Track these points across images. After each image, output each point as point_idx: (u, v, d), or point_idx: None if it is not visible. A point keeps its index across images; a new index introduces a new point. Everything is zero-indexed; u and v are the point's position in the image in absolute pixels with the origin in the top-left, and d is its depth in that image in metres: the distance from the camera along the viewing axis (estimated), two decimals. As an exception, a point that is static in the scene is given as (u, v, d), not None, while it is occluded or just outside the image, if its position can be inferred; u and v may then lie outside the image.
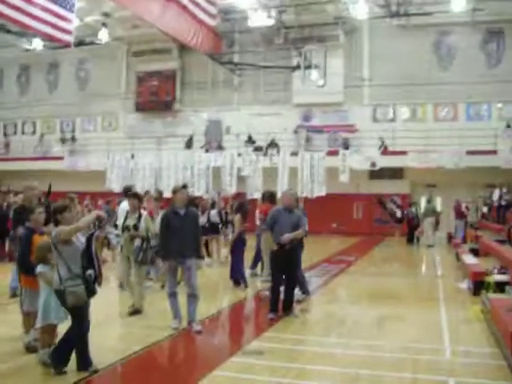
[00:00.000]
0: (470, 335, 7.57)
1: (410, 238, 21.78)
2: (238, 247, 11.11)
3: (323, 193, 22.43)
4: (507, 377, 5.75)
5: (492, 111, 24.16)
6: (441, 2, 22.78)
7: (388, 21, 24.67)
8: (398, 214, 24.59)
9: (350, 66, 26.02)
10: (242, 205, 11.92)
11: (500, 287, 9.18)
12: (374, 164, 23.59)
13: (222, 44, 25.19)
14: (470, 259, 13.05)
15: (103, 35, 24.21)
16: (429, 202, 21.96)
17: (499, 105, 23.84)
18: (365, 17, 23.79)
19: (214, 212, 14.36)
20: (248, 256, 11.74)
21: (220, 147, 25.90)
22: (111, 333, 7.66)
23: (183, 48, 26.99)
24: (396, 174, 24.95)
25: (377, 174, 24.55)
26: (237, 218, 11.40)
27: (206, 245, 13.91)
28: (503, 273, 10.01)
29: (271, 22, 23.00)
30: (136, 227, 8.54)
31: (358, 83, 25.72)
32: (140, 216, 8.64)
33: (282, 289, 8.62)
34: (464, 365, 6.31)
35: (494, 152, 21.79)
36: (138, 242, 8.52)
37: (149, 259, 8.59)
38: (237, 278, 10.97)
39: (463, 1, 21.87)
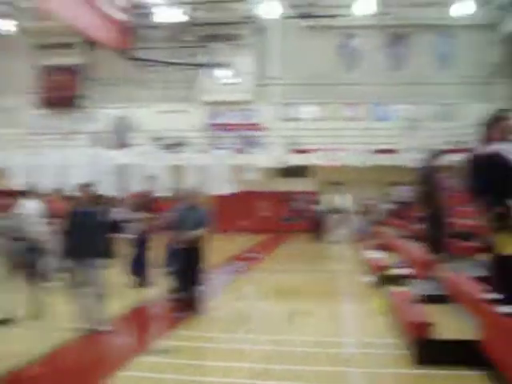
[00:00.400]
0: (373, 327, 7.81)
1: (317, 235, 22.23)
2: (140, 244, 10.94)
3: (231, 191, 22.52)
4: (408, 365, 5.97)
5: (397, 112, 25.04)
6: (348, 5, 23.42)
7: (297, 22, 25.07)
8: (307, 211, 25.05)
9: (260, 64, 26.23)
10: (148, 202, 11.73)
11: (401, 280, 9.53)
12: (282, 162, 23.90)
13: (132, 39, 24.68)
14: (374, 254, 13.48)
15: (6, 26, 23.09)
16: (335, 199, 22.51)
17: (404, 106, 24.74)
18: (273, 17, 24.08)
19: (119, 210, 14.04)
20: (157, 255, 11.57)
21: (127, 145, 25.40)
22: (12, 335, 7.31)
23: (91, 42, 26.23)
24: (304, 172, 25.40)
25: (285, 172, 24.90)
26: (141, 215, 11.21)
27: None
28: (404, 267, 10.40)
29: (181, 18, 22.83)
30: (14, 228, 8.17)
31: (268, 82, 25.98)
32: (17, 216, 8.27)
33: (188, 287, 8.56)
34: (369, 355, 6.49)
35: (398, 151, 22.67)
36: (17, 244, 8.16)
37: (30, 262, 8.19)
38: (139, 275, 10.78)
39: (368, 5, 22.62)
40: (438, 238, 9.24)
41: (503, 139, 5.35)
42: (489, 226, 5.34)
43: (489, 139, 5.47)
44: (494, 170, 5.24)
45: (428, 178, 9.64)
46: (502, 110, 5.57)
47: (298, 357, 6.41)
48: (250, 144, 24.85)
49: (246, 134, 25.46)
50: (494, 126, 5.45)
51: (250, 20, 25.41)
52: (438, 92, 23.74)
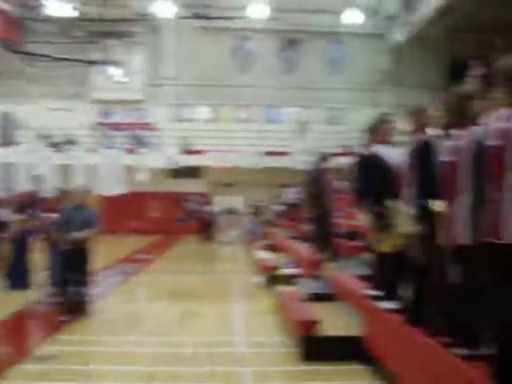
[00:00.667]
0: (263, 326, 7.91)
1: (209, 236, 22.27)
2: (20, 246, 10.49)
3: (122, 191, 22.08)
4: (295, 362, 6.10)
5: (288, 115, 25.55)
6: (242, 7, 23.62)
7: (192, 22, 24.97)
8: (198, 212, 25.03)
9: (153, 64, 25.89)
10: (33, 203, 11.27)
11: (290, 280, 9.75)
12: (174, 163, 23.73)
13: (18, 31, 23.54)
14: (264, 255, 13.68)
15: None
16: (227, 200, 22.65)
17: (295, 109, 25.28)
18: (167, 16, 23.85)
19: (4, 211, 13.36)
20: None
21: (13, 142, 24.18)
22: None
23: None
24: (196, 173, 25.36)
25: (177, 173, 24.73)
26: (17, 216, 10.77)
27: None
28: (293, 267, 10.65)
29: (72, 12, 22.05)
30: None
31: (161, 82, 25.70)
32: None
33: (73, 289, 8.30)
34: (258, 354, 6.57)
35: (289, 153, 23.18)
36: None
37: None
38: (17, 277, 10.30)
39: (262, 8, 22.97)
40: (325, 238, 9.54)
41: (385, 142, 5.63)
42: (369, 226, 5.59)
43: (372, 142, 5.75)
44: (373, 172, 5.50)
45: (316, 180, 9.92)
46: (383, 114, 5.85)
47: (188, 358, 6.37)
48: (141, 144, 24.48)
49: (138, 134, 25.04)
50: (376, 130, 5.74)
51: (143, 18, 25.01)
52: (329, 97, 24.52)
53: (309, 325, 6.22)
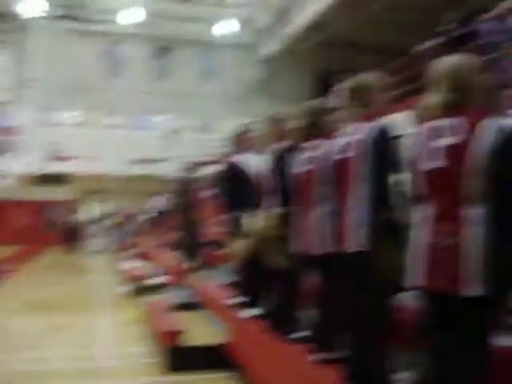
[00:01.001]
0: (130, 338, 7.72)
1: (75, 246, 21.52)
2: None
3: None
4: (160, 373, 6.00)
5: (159, 122, 25.32)
6: (115, 12, 23.14)
7: (63, 24, 24.06)
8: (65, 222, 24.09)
9: (20, 64, 24.63)
10: None
11: (157, 289, 9.62)
12: (39, 169, 22.70)
13: None
14: (131, 264, 13.42)
15: None
16: (95, 208, 22.03)
17: (166, 117, 25.11)
18: (34, 15, 22.80)
19: None
20: None
21: None
22: None
23: None
24: (64, 179, 24.38)
25: (43, 180, 23.64)
26: None
27: None
28: (160, 276, 10.51)
29: None
30: None
31: (27, 84, 24.49)
32: None
33: None
34: (122, 366, 6.39)
35: (159, 161, 22.97)
36: None
37: None
38: None
39: (136, 14, 22.64)
40: (194, 246, 9.52)
41: (248, 151, 5.74)
42: (228, 233, 5.65)
43: (236, 151, 5.84)
44: (234, 180, 5.59)
45: (186, 188, 9.90)
46: (247, 124, 5.96)
47: (49, 374, 6.06)
48: (3, 149, 23.16)
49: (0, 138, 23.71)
50: (240, 139, 5.84)
51: (10, 16, 23.71)
52: (200, 105, 24.60)
53: (174, 335, 6.15)
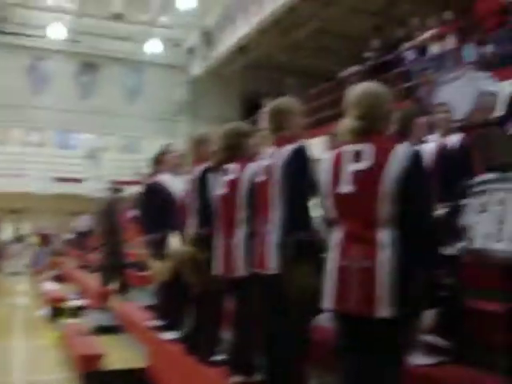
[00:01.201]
0: (46, 363, 7.44)
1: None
2: None
3: None
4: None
5: (82, 141, 24.77)
6: (41, 26, 22.56)
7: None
8: None
9: None
10: None
11: (76, 312, 9.33)
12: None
13: None
14: (50, 286, 13.00)
15: None
16: (15, 228, 21.26)
17: (90, 135, 24.61)
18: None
19: None
20: None
21: None
22: None
23: None
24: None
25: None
26: None
27: None
28: (80, 298, 10.22)
29: None
30: None
31: None
32: None
33: None
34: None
35: (82, 180, 22.46)
36: None
37: None
38: None
39: (61, 29, 22.16)
40: (115, 268, 9.32)
41: (170, 171, 5.71)
42: (149, 254, 5.58)
43: (158, 171, 5.81)
44: (154, 201, 5.56)
45: (109, 208, 9.72)
46: (167, 145, 5.95)
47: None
48: None
49: None
50: (162, 159, 5.82)
51: None
52: (125, 124, 24.22)
53: (92, 359, 5.97)
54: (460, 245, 2.83)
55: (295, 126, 3.51)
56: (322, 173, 2.82)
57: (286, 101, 3.61)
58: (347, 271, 2.61)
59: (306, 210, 3.23)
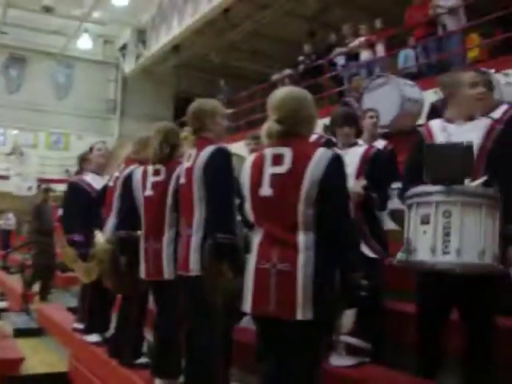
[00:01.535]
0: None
1: None
2: None
3: None
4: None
5: (8, 137, 23.93)
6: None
7: None
8: None
9: None
10: None
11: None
12: None
13: None
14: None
15: None
16: None
17: (16, 131, 23.83)
18: None
19: None
20: None
21: None
22: None
23: None
24: None
25: None
26: None
27: None
28: (0, 300, 9.84)
29: None
30: None
31: None
32: None
33: None
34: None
35: (7, 177, 21.71)
36: None
37: None
38: None
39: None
40: (41, 268, 9.06)
41: (94, 170, 5.63)
42: (71, 255, 5.44)
43: (83, 170, 5.72)
44: (75, 199, 5.48)
45: (37, 207, 9.48)
46: (95, 143, 5.84)
47: None
48: None
49: None
50: (87, 158, 5.74)
51: None
52: (55, 121, 23.53)
53: (12, 363, 5.76)
54: (400, 255, 2.85)
55: (217, 128, 3.50)
56: (244, 175, 2.80)
57: (208, 102, 3.59)
58: (266, 274, 2.60)
59: (227, 211, 3.19)
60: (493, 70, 5.76)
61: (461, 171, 2.80)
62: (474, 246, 2.64)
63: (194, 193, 3.31)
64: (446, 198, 2.69)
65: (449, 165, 2.79)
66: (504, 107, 4.41)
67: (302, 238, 2.57)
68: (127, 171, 4.41)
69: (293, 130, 2.71)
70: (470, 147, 2.84)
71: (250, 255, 2.72)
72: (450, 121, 3.30)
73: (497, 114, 4.33)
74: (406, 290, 3.74)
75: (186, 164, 3.43)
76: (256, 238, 2.72)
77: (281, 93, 2.82)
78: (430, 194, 2.78)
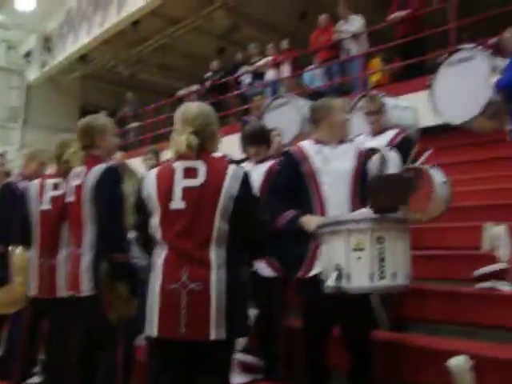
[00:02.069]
0: None
1: None
2: None
3: None
4: None
5: None
6: None
7: None
8: None
9: None
10: None
11: None
12: None
13: None
14: None
15: None
16: None
17: None
18: None
19: None
20: None
21: None
22: None
23: None
24: None
25: None
26: None
27: None
28: None
29: None
30: None
31: None
32: None
33: None
34: None
35: None
36: None
37: None
38: None
39: None
40: None
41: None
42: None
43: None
44: None
45: None
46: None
47: None
48: None
49: None
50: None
51: None
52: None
53: None
54: (331, 281, 2.85)
55: (107, 145, 3.46)
56: (148, 189, 2.70)
57: (99, 118, 3.55)
58: (176, 295, 2.50)
59: (120, 231, 3.14)
60: (382, 94, 6.08)
61: (401, 200, 2.94)
62: (404, 269, 2.76)
63: (83, 212, 3.24)
64: (379, 225, 2.77)
65: (392, 195, 2.89)
66: (393, 132, 4.65)
67: (215, 255, 2.54)
68: (24, 184, 4.28)
69: (205, 145, 2.72)
70: (411, 179, 3.00)
71: (151, 275, 2.60)
72: (321, 142, 3.46)
73: (387, 136, 4.57)
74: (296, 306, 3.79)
75: (75, 181, 3.34)
76: (159, 257, 2.61)
77: (194, 107, 2.82)
78: (363, 221, 2.82)
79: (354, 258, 2.78)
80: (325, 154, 3.36)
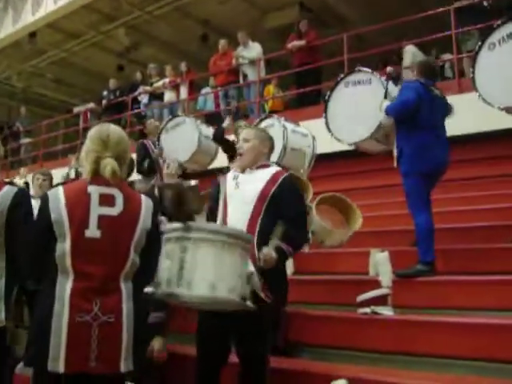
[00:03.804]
0: None
1: None
2: None
3: None
4: None
5: None
6: None
7: None
8: None
9: None
10: None
11: None
12: None
13: None
14: None
15: None
16: None
17: None
18: None
19: None
20: None
21: None
22: None
23: None
24: None
25: None
26: None
27: None
28: None
29: None
30: None
31: None
32: None
33: None
34: None
35: None
36: None
37: None
38: None
39: None
40: None
41: None
42: None
43: None
44: None
45: None
46: None
47: None
48: None
49: None
50: None
51: None
52: None
53: None
54: (149, 289, 2.83)
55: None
56: (55, 212, 2.47)
57: None
58: (86, 328, 2.37)
59: (31, 258, 2.65)
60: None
61: (192, 208, 2.94)
62: (205, 279, 2.68)
63: None
64: (183, 234, 2.70)
65: (182, 203, 2.90)
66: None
67: (125, 287, 2.48)
68: None
69: (122, 171, 2.59)
70: (195, 186, 3.00)
71: (56, 306, 2.38)
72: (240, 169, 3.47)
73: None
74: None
75: None
76: (63, 287, 2.42)
77: (116, 130, 2.64)
78: (174, 230, 2.76)
79: (164, 264, 2.70)
80: (238, 180, 3.34)
